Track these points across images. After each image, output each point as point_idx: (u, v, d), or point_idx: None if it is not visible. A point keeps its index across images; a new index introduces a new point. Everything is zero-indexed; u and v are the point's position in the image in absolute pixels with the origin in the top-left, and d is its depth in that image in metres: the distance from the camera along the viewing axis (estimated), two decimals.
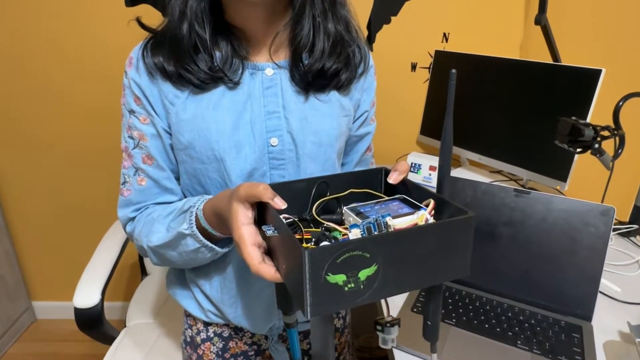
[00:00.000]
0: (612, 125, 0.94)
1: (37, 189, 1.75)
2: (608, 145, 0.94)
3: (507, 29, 1.50)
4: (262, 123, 0.66)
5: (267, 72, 0.66)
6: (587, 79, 1.06)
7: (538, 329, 0.79)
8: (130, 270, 1.89)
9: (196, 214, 0.61)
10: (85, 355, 1.80)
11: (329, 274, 0.38)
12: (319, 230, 0.48)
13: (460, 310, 0.84)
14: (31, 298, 1.96)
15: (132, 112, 0.67)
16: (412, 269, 0.42)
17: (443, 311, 0.84)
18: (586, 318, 0.81)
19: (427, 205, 0.48)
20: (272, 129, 0.66)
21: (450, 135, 0.47)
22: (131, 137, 0.68)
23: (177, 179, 0.72)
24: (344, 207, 0.51)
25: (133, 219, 0.71)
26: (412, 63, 1.56)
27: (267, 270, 0.46)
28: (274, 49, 0.67)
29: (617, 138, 0.94)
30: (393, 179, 0.54)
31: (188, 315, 0.85)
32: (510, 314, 0.82)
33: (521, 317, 0.81)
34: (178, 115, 0.65)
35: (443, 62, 1.47)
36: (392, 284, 0.42)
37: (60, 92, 1.59)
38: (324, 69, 0.66)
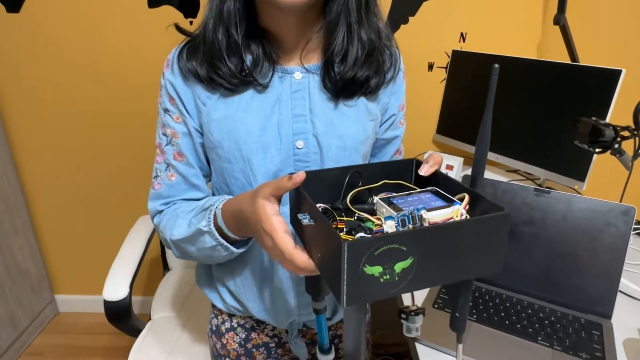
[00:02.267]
0: (632, 126, 0.95)
1: (62, 184, 1.79)
2: (627, 146, 0.94)
3: (525, 29, 1.50)
4: (289, 126, 0.67)
5: (296, 76, 0.68)
6: (607, 79, 1.07)
7: (558, 326, 0.80)
8: (150, 265, 1.93)
9: (215, 212, 0.63)
10: (107, 347, 1.85)
11: (366, 265, 0.39)
12: (353, 219, 0.49)
13: (481, 307, 0.85)
14: (54, 291, 2.01)
15: (166, 110, 0.70)
16: (446, 263, 0.43)
17: None
18: (606, 316, 0.82)
19: (461, 200, 0.48)
20: (298, 132, 0.68)
21: (487, 131, 0.47)
22: (164, 134, 0.71)
23: (206, 176, 0.75)
24: (376, 198, 0.51)
25: (161, 212, 0.74)
26: (429, 63, 1.57)
27: (301, 256, 0.47)
28: (304, 54, 0.68)
29: (637, 138, 0.94)
30: (424, 171, 0.54)
31: (214, 305, 0.88)
32: (530, 311, 0.84)
33: (541, 314, 0.83)
34: (209, 115, 0.68)
35: (460, 61, 1.48)
36: (426, 276, 0.43)
37: (88, 91, 1.63)
38: (355, 77, 0.67)
